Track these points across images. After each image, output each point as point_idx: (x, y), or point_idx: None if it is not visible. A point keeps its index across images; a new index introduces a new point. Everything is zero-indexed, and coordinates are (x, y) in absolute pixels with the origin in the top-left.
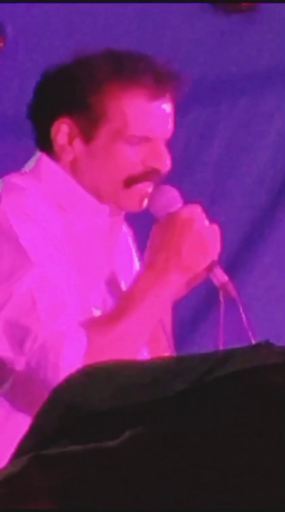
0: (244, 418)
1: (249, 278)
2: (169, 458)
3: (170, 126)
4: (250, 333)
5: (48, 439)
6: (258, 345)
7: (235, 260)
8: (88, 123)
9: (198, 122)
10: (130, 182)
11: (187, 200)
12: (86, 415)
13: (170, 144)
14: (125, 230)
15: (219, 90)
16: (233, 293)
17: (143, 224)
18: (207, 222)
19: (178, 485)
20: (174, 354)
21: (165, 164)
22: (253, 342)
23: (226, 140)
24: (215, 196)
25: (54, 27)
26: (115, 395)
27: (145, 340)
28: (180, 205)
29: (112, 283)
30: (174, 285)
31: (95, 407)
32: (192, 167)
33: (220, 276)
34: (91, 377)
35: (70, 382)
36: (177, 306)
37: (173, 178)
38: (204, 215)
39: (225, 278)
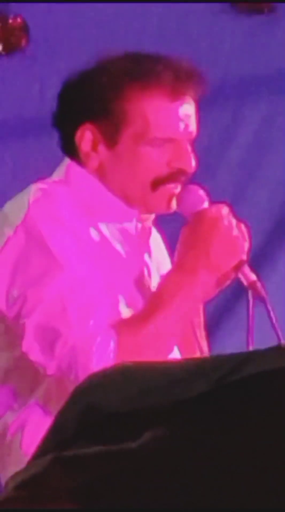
0: (264, 419)
1: (274, 277)
2: (190, 459)
3: (193, 126)
4: (279, 333)
5: (68, 440)
6: (277, 347)
7: (260, 259)
8: (111, 128)
9: (219, 123)
10: (157, 184)
11: (211, 200)
12: (106, 416)
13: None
14: (156, 232)
15: (240, 91)
16: (262, 292)
17: (174, 226)
18: (234, 221)
19: (199, 485)
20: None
21: (190, 164)
22: (283, 342)
23: (248, 141)
24: (237, 196)
25: (75, 29)
26: (136, 396)
27: (175, 340)
28: (206, 203)
29: (142, 285)
30: (203, 285)
31: (115, 408)
32: (214, 168)
33: (249, 276)
34: (112, 378)
35: (91, 383)
36: (205, 306)
37: (196, 179)
38: (231, 214)
39: (254, 277)
